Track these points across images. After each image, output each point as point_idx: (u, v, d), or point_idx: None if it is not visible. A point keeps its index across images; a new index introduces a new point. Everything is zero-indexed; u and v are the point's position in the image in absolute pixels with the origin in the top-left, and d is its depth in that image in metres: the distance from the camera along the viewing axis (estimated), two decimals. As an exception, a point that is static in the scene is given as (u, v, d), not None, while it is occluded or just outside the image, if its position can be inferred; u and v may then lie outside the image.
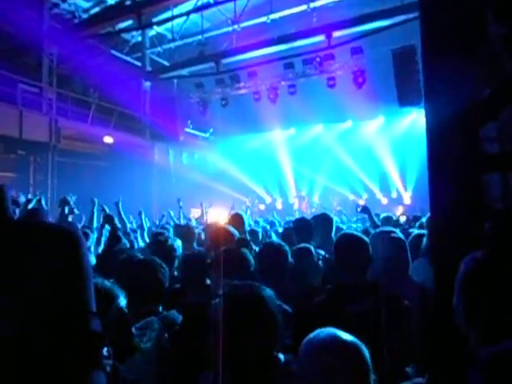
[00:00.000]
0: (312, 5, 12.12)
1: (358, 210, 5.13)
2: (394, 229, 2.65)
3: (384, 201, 16.73)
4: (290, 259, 2.67)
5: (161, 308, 2.16)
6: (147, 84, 15.56)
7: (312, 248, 2.82)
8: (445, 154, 1.63)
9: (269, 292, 1.53)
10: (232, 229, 3.34)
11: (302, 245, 2.92)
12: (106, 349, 0.81)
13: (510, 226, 1.58)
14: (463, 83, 1.72)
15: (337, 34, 11.51)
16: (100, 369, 0.66)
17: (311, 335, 1.26)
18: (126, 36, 15.89)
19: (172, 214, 7.53)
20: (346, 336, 1.23)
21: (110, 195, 6.02)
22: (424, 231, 3.86)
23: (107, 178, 13.26)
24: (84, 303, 0.66)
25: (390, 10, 10.46)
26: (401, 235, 2.42)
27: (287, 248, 2.67)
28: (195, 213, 10.56)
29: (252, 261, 2.62)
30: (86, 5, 14.46)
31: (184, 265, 2.62)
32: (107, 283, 1.63)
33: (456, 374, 1.30)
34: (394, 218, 5.91)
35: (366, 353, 1.20)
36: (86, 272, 0.68)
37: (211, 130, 18.34)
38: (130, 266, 2.32)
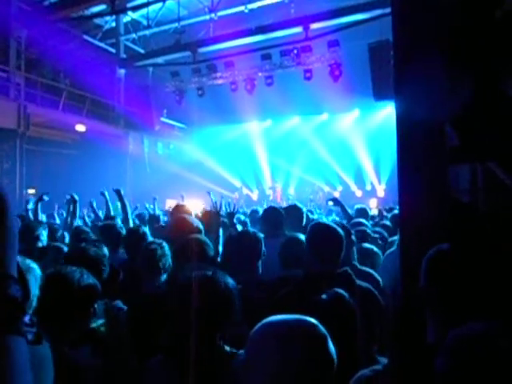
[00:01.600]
0: (291, -4, 12.11)
1: (330, 203, 5.20)
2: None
3: (358, 193, 17.03)
4: (264, 248, 2.70)
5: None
6: (121, 71, 15.23)
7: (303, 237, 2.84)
8: (412, 146, 1.69)
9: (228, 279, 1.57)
10: (193, 218, 3.35)
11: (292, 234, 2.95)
12: (28, 317, 0.80)
13: (472, 221, 1.66)
14: (432, 79, 1.78)
15: (314, 26, 11.55)
16: (18, 334, 0.65)
17: (268, 319, 1.11)
18: (99, 21, 15.45)
19: (147, 205, 7.44)
20: (311, 321, 1.10)
21: (82, 184, 5.92)
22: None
23: (79, 167, 12.98)
24: (2, 266, 0.65)
25: (367, 3, 10.57)
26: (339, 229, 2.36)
27: (261, 236, 2.70)
28: (171, 204, 10.47)
29: (211, 248, 2.66)
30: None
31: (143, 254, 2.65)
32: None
33: (420, 360, 1.36)
34: (367, 209, 6.03)
35: (330, 342, 1.08)
36: (9, 234, 0.66)
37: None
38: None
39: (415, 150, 1.66)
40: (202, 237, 2.79)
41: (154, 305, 1.83)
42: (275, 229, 3.32)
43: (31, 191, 11.85)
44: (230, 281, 1.58)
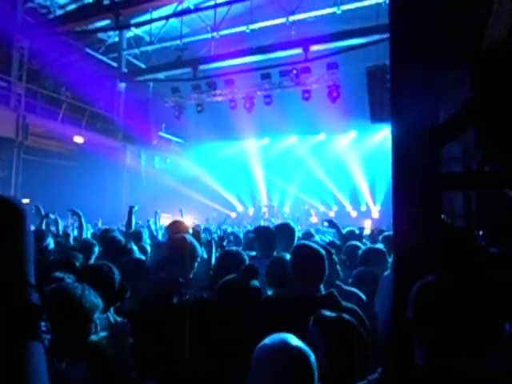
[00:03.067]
0: (291, 18, 12.35)
1: (325, 224, 5.20)
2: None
3: (353, 214, 17.05)
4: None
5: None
6: (122, 85, 15.36)
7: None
8: (407, 169, 1.70)
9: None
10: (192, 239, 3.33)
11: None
12: (43, 323, 0.82)
13: (463, 247, 1.67)
14: (428, 104, 1.81)
15: (314, 48, 11.76)
16: (37, 341, 0.67)
17: (263, 342, 1.28)
18: (102, 35, 15.66)
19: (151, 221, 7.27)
20: (295, 342, 1.26)
21: (78, 196, 5.91)
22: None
23: (76, 179, 12.94)
24: (23, 274, 0.68)
25: (366, 28, 10.80)
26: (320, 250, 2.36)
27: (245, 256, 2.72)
28: (166, 218, 10.43)
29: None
30: (63, 1, 14.19)
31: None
32: None
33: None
34: (358, 232, 6.03)
35: (313, 359, 1.24)
36: (28, 246, 0.69)
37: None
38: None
39: (409, 174, 1.68)
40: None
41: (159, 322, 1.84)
42: (268, 249, 3.31)
43: (25, 201, 11.77)
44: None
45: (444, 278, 1.35)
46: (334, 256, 2.85)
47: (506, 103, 1.55)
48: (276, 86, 13.34)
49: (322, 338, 1.57)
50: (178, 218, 5.84)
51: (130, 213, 4.84)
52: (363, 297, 2.68)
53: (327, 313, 1.71)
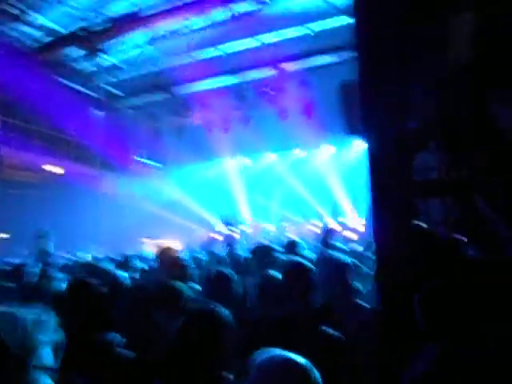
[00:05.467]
0: (265, 40, 12.61)
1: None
2: (339, 254, 2.74)
3: (338, 228, 17.12)
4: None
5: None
6: (99, 113, 15.31)
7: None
8: (382, 180, 1.74)
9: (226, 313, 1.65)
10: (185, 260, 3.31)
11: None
12: None
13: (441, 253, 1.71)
14: (398, 117, 1.87)
15: (288, 66, 12.01)
16: None
17: (261, 359, 1.24)
18: (76, 65, 15.65)
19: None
20: (299, 359, 1.23)
21: (57, 227, 5.80)
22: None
23: (54, 209, 12.70)
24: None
25: (337, 47, 11.12)
26: (342, 256, 2.49)
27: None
28: (149, 244, 10.33)
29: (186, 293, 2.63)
30: (37, 34, 14.16)
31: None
32: None
33: None
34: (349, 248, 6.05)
35: (318, 375, 1.23)
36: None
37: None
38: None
39: (384, 183, 1.72)
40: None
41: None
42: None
43: (3, 235, 11.50)
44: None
45: (448, 282, 1.42)
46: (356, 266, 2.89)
47: (467, 119, 1.63)
48: (252, 105, 13.52)
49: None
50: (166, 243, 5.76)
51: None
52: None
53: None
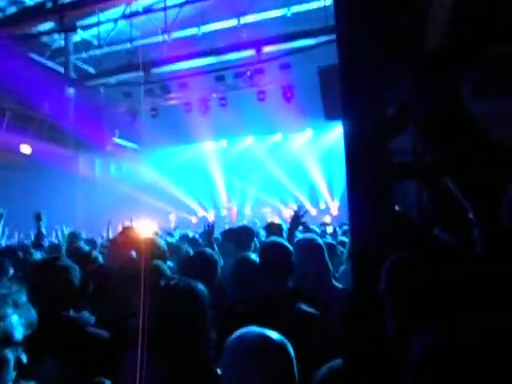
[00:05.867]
0: (242, 20, 12.43)
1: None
2: (314, 235, 2.80)
3: (313, 211, 17.35)
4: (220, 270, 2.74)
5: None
6: (71, 91, 14.84)
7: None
8: (359, 164, 1.79)
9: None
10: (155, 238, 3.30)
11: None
12: None
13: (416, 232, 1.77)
14: (376, 100, 1.90)
15: (266, 49, 11.91)
16: None
17: (238, 336, 1.27)
18: (47, 40, 15.06)
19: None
20: (274, 335, 1.27)
21: (29, 209, 5.64)
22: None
23: (25, 191, 12.37)
24: None
25: (315, 30, 11.06)
26: (321, 241, 2.56)
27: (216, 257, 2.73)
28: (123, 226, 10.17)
29: (166, 271, 2.65)
30: (1, 4, 13.52)
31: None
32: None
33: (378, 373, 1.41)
34: (320, 229, 6.14)
35: (291, 350, 1.26)
36: None
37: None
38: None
39: (362, 167, 1.76)
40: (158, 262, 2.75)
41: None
42: (241, 250, 3.37)
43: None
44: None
45: (413, 255, 1.42)
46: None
47: (439, 104, 1.67)
48: (231, 87, 13.40)
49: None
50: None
51: (38, 220, 4.37)
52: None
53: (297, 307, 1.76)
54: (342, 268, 3.37)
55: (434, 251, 1.70)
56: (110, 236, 6.75)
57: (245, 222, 14.56)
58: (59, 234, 5.59)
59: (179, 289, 1.73)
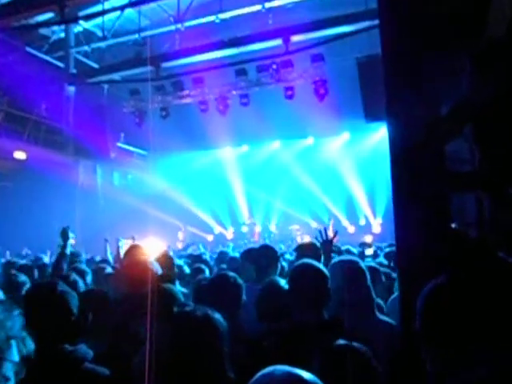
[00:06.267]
0: (267, 5, 12.54)
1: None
2: (355, 258, 2.78)
3: (351, 229, 17.20)
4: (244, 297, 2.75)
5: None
6: (71, 89, 15.28)
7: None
8: (408, 173, 1.77)
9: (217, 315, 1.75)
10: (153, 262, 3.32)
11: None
12: None
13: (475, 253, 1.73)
14: (428, 98, 1.89)
15: (295, 38, 11.96)
16: None
17: (262, 376, 1.28)
18: (45, 31, 15.60)
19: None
20: (306, 375, 1.27)
21: (23, 222, 5.82)
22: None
23: (19, 202, 12.72)
24: None
25: (354, 14, 11.07)
26: (363, 265, 2.54)
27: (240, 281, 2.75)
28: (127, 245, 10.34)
29: (180, 297, 2.67)
30: (-4, -7, 14.11)
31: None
32: None
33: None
34: (358, 251, 6.10)
35: None
36: None
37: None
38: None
39: (411, 177, 1.74)
40: (170, 286, 2.78)
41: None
42: (262, 273, 3.40)
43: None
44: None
45: (455, 279, 1.38)
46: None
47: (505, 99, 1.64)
48: (253, 83, 13.49)
49: (331, 370, 1.60)
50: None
51: (65, 236, 4.41)
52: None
53: (336, 342, 1.75)
54: (392, 297, 3.31)
55: (497, 280, 1.66)
56: (109, 256, 6.95)
57: (267, 242, 14.54)
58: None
59: (195, 317, 1.74)
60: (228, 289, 2.68)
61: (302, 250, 3.85)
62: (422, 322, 1.38)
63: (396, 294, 3.27)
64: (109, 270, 4.56)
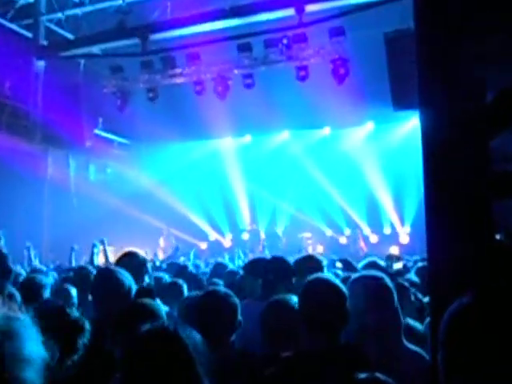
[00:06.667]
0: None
1: (338, 265, 5.19)
2: (380, 273, 2.77)
3: (373, 238, 17.17)
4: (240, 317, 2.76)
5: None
6: (40, 64, 15.30)
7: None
8: (444, 173, 1.76)
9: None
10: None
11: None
12: None
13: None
14: (471, 82, 1.88)
15: (311, 7, 11.94)
16: None
17: None
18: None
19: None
20: None
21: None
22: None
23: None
24: None
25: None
26: (390, 283, 2.53)
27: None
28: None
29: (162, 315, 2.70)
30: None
31: None
32: None
33: None
34: (383, 265, 6.07)
35: None
36: None
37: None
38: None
39: (448, 178, 1.73)
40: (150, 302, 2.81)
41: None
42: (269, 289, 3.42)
43: None
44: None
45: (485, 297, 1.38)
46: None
47: None
48: (259, 61, 13.46)
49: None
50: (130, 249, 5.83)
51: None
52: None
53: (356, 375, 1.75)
54: (425, 322, 3.31)
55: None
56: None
57: (266, 252, 14.52)
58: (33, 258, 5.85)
59: (152, 337, 1.71)
60: (218, 310, 2.68)
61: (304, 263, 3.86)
62: (445, 350, 1.38)
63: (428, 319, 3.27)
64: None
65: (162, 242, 17.82)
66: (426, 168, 1.88)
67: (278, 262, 3.78)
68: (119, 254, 4.58)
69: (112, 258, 9.43)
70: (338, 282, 2.41)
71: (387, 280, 2.60)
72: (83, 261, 8.12)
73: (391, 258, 7.41)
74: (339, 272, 5.39)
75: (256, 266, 4.10)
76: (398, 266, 7.53)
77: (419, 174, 1.98)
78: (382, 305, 2.44)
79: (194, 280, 4.99)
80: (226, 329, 2.66)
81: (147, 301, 2.78)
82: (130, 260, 3.97)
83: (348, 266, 5.01)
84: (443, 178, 1.79)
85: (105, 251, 7.92)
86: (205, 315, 2.66)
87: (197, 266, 7.36)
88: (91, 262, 7.23)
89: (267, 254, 12.12)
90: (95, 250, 7.52)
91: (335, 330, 2.24)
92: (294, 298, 2.67)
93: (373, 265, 5.23)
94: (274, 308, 2.70)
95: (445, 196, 1.80)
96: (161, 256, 14.86)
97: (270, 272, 3.65)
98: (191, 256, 12.97)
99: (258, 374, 2.23)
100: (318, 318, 2.22)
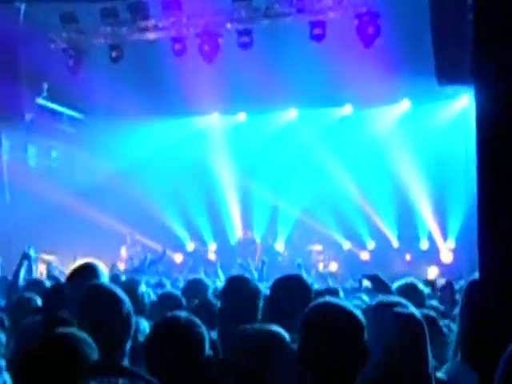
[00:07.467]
0: None
1: (365, 283, 5.22)
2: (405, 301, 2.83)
3: (406, 255, 17.15)
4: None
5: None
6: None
7: None
8: (504, 166, 1.81)
9: None
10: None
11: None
12: None
13: None
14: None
15: None
16: None
17: None
18: None
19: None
20: None
21: None
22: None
23: None
24: None
25: None
26: (417, 313, 2.58)
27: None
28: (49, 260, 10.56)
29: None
30: None
31: None
32: None
33: None
34: (419, 288, 6.16)
35: None
36: None
37: None
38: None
39: (506, 169, 1.77)
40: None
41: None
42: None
43: None
44: None
45: None
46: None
47: None
48: (260, 13, 13.47)
49: None
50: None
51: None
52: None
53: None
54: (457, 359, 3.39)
55: None
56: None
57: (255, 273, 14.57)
58: None
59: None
60: (179, 344, 2.77)
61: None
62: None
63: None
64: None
65: (123, 250, 17.78)
66: (480, 159, 1.92)
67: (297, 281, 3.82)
68: (70, 265, 4.63)
69: (53, 271, 9.49)
70: (351, 306, 2.43)
71: (415, 312, 2.67)
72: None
73: (431, 284, 7.47)
74: (365, 298, 5.49)
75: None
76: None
77: (470, 168, 2.04)
78: (409, 342, 2.50)
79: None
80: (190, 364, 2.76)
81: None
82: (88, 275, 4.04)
83: (379, 285, 4.99)
84: (504, 174, 1.83)
85: (29, 266, 7.61)
86: (160, 351, 2.78)
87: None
88: (15, 277, 7.08)
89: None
90: (24, 262, 7.34)
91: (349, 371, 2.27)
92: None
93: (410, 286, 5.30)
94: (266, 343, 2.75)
95: (505, 199, 1.84)
96: (122, 268, 14.89)
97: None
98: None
99: None
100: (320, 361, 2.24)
